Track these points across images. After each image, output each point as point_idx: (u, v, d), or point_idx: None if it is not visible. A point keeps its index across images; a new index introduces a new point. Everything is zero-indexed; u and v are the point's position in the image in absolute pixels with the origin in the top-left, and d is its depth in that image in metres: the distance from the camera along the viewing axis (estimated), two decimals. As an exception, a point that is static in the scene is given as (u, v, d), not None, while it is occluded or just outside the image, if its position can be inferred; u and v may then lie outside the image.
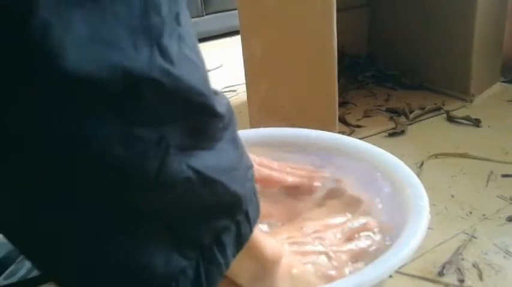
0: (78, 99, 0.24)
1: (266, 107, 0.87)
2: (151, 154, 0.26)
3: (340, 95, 0.88)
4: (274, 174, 0.54)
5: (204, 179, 0.29)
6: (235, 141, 0.33)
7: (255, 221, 0.35)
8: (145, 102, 0.26)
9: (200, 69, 0.29)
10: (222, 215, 0.32)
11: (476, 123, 1.02)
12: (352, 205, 0.53)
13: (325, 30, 0.80)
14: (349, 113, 1.10)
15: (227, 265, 0.33)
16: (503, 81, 1.22)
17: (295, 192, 0.55)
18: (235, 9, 0.85)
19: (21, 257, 0.61)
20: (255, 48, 0.85)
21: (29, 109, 0.23)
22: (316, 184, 0.56)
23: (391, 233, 0.49)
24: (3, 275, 0.59)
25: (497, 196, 0.77)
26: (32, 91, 0.23)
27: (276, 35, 0.83)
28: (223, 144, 0.31)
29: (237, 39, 0.91)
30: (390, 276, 0.58)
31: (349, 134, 0.98)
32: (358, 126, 1.04)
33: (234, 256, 0.33)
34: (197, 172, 0.29)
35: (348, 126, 1.04)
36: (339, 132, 0.79)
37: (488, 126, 1.01)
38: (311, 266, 0.43)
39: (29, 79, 0.23)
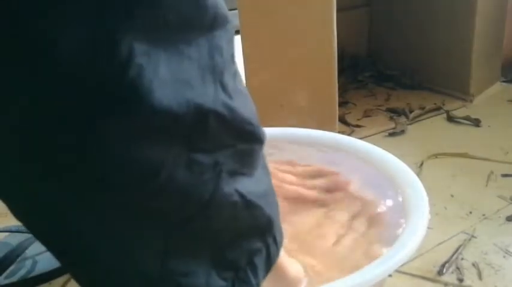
0: (158, 132, 0.27)
1: (266, 106, 0.87)
2: (207, 177, 0.29)
3: (340, 94, 0.88)
4: (301, 191, 0.56)
5: (247, 203, 0.32)
6: (267, 169, 0.36)
7: (281, 244, 0.37)
8: (209, 132, 0.29)
9: (249, 101, 0.33)
10: (256, 238, 0.34)
11: (476, 123, 1.02)
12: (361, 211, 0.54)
13: (325, 29, 0.80)
14: (349, 112, 1.10)
15: (258, 285, 0.35)
16: (503, 81, 1.21)
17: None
18: (235, 9, 0.85)
19: (21, 257, 0.61)
20: (254, 48, 0.85)
21: (117, 142, 0.26)
22: (310, 193, 0.56)
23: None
24: (4, 275, 0.59)
25: (497, 196, 0.77)
26: (122, 126, 0.26)
27: (275, 35, 0.83)
28: (260, 171, 0.34)
29: (237, 39, 0.90)
30: (390, 275, 0.59)
31: (349, 134, 0.98)
32: (358, 126, 1.04)
33: (264, 277, 0.35)
34: (242, 196, 0.32)
35: (347, 126, 1.04)
36: (339, 132, 0.79)
37: (488, 126, 1.01)
38: None
39: (121, 114, 0.25)
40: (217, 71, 0.29)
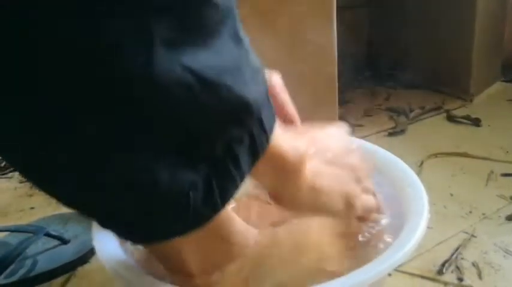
0: None
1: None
2: (131, 43, 0.24)
3: (339, 94, 0.87)
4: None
5: (204, 81, 0.26)
6: (238, 38, 0.30)
7: (271, 129, 0.32)
8: None
9: None
10: (231, 124, 0.29)
11: (476, 122, 1.02)
12: None
13: (325, 29, 0.80)
14: (349, 112, 1.10)
15: (242, 177, 0.31)
16: (504, 81, 1.21)
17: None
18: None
19: (21, 256, 0.61)
20: (254, 47, 0.85)
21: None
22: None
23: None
24: (4, 275, 0.59)
25: (497, 195, 0.77)
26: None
27: (275, 35, 0.83)
28: (223, 40, 0.28)
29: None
30: (389, 274, 0.59)
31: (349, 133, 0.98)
32: (358, 125, 1.04)
33: (249, 168, 0.31)
34: (194, 72, 0.26)
35: (347, 125, 1.03)
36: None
37: (488, 125, 1.01)
38: (335, 177, 0.41)
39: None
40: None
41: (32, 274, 0.60)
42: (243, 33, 0.30)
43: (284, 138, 0.35)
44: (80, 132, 0.25)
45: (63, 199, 0.29)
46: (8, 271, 0.60)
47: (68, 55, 0.23)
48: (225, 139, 0.29)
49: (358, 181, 0.43)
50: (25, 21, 0.22)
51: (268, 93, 0.32)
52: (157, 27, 0.24)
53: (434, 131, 1.01)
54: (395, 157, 0.55)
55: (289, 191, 0.37)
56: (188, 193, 0.28)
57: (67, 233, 0.66)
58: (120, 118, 0.25)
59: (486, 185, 0.80)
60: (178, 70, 0.25)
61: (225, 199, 0.30)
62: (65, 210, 0.49)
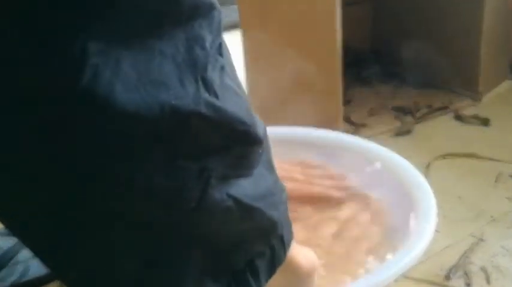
0: (127, 137, 0.25)
1: (268, 105, 0.86)
2: (191, 185, 0.27)
3: (344, 92, 0.87)
4: (303, 188, 0.56)
5: (243, 207, 0.30)
6: (270, 165, 0.33)
7: (289, 244, 0.35)
8: (191, 137, 0.26)
9: (241, 98, 0.30)
10: (257, 241, 0.33)
11: (485, 122, 1.01)
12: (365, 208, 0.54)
13: (329, 25, 0.80)
14: (354, 111, 1.09)
15: None
16: (512, 79, 1.21)
17: (317, 205, 0.56)
18: (235, 4, 0.85)
19: (13, 261, 0.60)
20: (255, 45, 0.84)
21: (83, 148, 0.24)
22: (341, 194, 0.56)
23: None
24: (-4, 279, 0.59)
25: (506, 197, 0.76)
26: (85, 133, 0.24)
27: (277, 31, 0.83)
28: (260, 169, 0.32)
29: (237, 34, 0.91)
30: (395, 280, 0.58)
31: (353, 133, 0.97)
32: (363, 125, 1.03)
33: (266, 280, 0.34)
34: (236, 200, 0.29)
35: (352, 125, 1.03)
36: (344, 131, 0.78)
37: (497, 125, 1.00)
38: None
39: (82, 123, 0.24)
40: (198, 66, 0.26)
41: (24, 279, 0.59)
42: (273, 158, 0.34)
43: (297, 249, 0.38)
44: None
45: None
46: (-1, 275, 0.59)
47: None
48: (249, 254, 0.32)
49: None
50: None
51: (288, 211, 0.35)
52: (215, 166, 0.28)
53: (441, 131, 1.00)
54: (401, 158, 0.55)
55: None
56: None
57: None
58: (167, 238, 0.28)
59: (495, 187, 0.79)
60: (225, 198, 0.29)
61: None
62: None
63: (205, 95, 0.26)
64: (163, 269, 0.29)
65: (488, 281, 0.60)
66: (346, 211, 0.54)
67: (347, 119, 1.03)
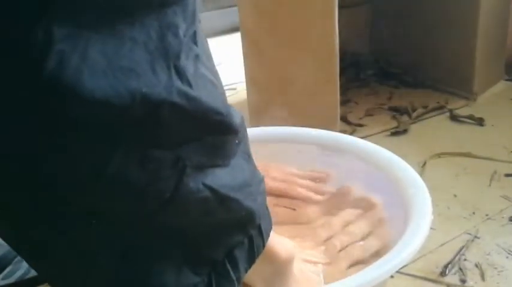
0: (96, 126, 0.24)
1: (266, 105, 0.86)
2: (166, 174, 0.26)
3: (341, 93, 0.87)
4: (282, 187, 0.55)
5: (220, 198, 0.29)
6: (248, 155, 0.33)
7: (268, 233, 0.35)
8: (163, 126, 0.26)
9: (217, 87, 0.29)
10: (235, 231, 0.32)
11: (480, 122, 1.01)
12: (363, 208, 0.54)
13: (326, 27, 0.80)
14: (351, 111, 1.09)
15: (239, 279, 0.33)
16: (507, 79, 1.21)
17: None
18: (235, 6, 0.85)
19: (18, 257, 0.60)
20: (255, 45, 0.84)
21: (47, 138, 0.23)
22: (319, 197, 0.56)
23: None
24: (1, 276, 0.59)
25: (501, 196, 0.77)
26: (49, 120, 0.23)
27: (276, 33, 0.83)
28: (237, 159, 0.31)
29: (237, 36, 0.90)
30: (391, 276, 0.58)
31: (350, 133, 0.98)
32: (360, 125, 1.03)
33: (246, 270, 0.33)
34: (213, 190, 0.29)
35: (349, 125, 1.03)
36: (341, 131, 0.78)
37: (492, 125, 1.00)
38: (318, 274, 0.45)
39: (47, 109, 0.23)
40: (170, 54, 0.26)
41: (29, 275, 0.59)
42: (250, 148, 0.33)
43: (275, 238, 0.38)
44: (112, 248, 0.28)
45: None
46: (4, 272, 0.59)
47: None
48: (227, 244, 0.32)
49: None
50: None
51: (266, 201, 0.35)
52: (189, 156, 0.27)
53: (437, 130, 1.01)
54: (397, 157, 0.55)
55: (278, 286, 0.40)
56: None
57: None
58: (142, 228, 0.28)
59: (489, 185, 0.80)
60: (201, 188, 0.28)
61: None
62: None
63: (178, 83, 0.26)
64: (141, 261, 0.28)
65: (483, 278, 0.60)
66: (341, 218, 0.53)
67: (344, 119, 1.03)
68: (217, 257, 0.31)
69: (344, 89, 1.15)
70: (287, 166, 0.59)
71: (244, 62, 0.86)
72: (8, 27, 0.21)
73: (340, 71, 0.84)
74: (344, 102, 1.11)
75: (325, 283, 0.44)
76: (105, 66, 0.23)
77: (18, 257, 0.60)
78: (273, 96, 0.85)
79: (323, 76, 0.83)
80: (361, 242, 0.50)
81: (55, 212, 0.26)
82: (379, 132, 1.01)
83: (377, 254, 0.48)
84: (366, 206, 0.54)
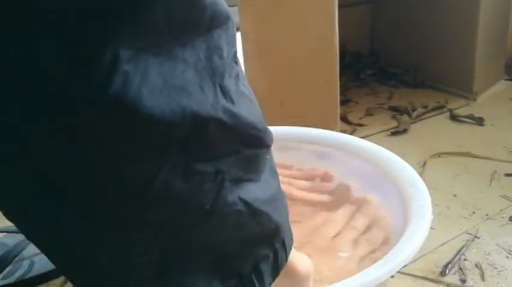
0: (150, 142, 0.25)
1: (266, 104, 0.86)
2: (207, 187, 0.28)
3: (341, 93, 0.87)
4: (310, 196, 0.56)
5: (253, 211, 0.30)
6: (275, 171, 0.34)
7: (290, 247, 0.36)
8: (208, 141, 0.27)
9: (253, 103, 0.31)
10: (263, 245, 0.33)
11: (480, 121, 1.01)
12: (361, 210, 0.54)
13: (326, 27, 0.80)
14: (351, 111, 1.09)
15: None
16: (507, 79, 1.21)
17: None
18: (235, 5, 0.84)
19: (18, 257, 0.61)
20: (255, 46, 0.84)
21: (108, 152, 0.25)
22: (321, 196, 0.57)
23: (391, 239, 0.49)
24: (1, 276, 0.59)
25: (501, 196, 0.77)
26: (113, 138, 0.24)
27: (276, 33, 0.83)
28: (266, 175, 0.32)
29: (237, 36, 0.90)
30: (392, 276, 0.58)
31: (350, 133, 0.98)
32: (360, 124, 1.04)
33: (270, 283, 0.34)
34: (247, 203, 0.30)
35: (349, 124, 1.03)
36: (341, 131, 0.78)
37: (492, 125, 1.01)
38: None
39: (110, 125, 0.24)
40: (216, 74, 0.28)
41: (29, 275, 0.60)
42: (275, 164, 0.34)
43: (294, 253, 0.38)
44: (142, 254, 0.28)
45: None
46: (4, 272, 0.60)
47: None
48: (255, 257, 0.33)
49: None
50: None
51: (288, 214, 0.36)
52: (228, 169, 0.29)
53: (437, 130, 1.01)
54: (397, 156, 0.55)
55: None
56: None
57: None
58: (181, 241, 0.29)
59: (489, 185, 0.80)
60: (237, 201, 0.29)
61: None
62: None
63: (223, 101, 0.27)
64: (175, 273, 0.29)
65: (482, 277, 0.60)
66: (342, 214, 0.54)
67: (344, 119, 1.04)
68: (245, 271, 0.32)
69: (344, 89, 1.15)
70: (286, 168, 0.59)
71: (244, 62, 0.86)
72: (77, 46, 0.23)
73: (340, 71, 0.84)
74: (344, 102, 1.11)
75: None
76: (161, 86, 0.25)
77: (19, 257, 0.61)
78: (273, 96, 0.85)
79: (323, 76, 0.84)
80: (367, 236, 0.50)
81: (100, 213, 0.26)
82: (379, 132, 1.01)
83: (385, 243, 0.49)
84: (362, 205, 0.54)
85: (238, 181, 0.30)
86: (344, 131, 0.94)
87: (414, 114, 1.06)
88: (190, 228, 0.28)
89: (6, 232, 0.65)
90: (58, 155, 0.24)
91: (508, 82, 1.20)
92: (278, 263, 0.34)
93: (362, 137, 0.61)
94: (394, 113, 1.08)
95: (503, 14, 1.14)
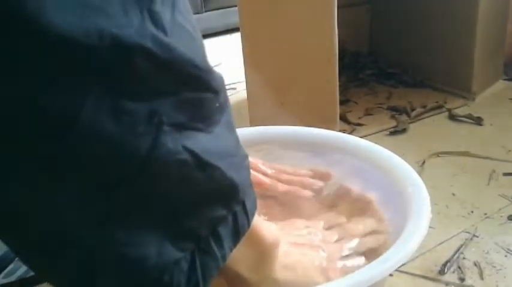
0: (62, 66, 0.22)
1: (266, 104, 0.87)
2: (141, 130, 0.25)
3: (341, 93, 0.88)
4: (267, 181, 0.54)
5: (201, 163, 0.28)
6: (232, 127, 0.31)
7: (253, 214, 0.34)
8: (135, 73, 0.24)
9: (195, 40, 0.27)
10: (218, 205, 0.30)
11: (478, 121, 1.01)
12: (362, 207, 0.54)
13: (326, 27, 0.80)
14: (350, 111, 1.09)
15: (224, 258, 0.32)
16: (506, 79, 1.21)
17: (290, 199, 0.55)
18: (235, 6, 0.85)
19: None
20: (254, 46, 0.85)
21: (10, 78, 0.22)
22: (309, 193, 0.56)
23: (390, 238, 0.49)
24: (2, 274, 0.59)
25: (499, 195, 0.77)
26: (11, 57, 0.22)
27: (276, 33, 0.83)
28: (221, 128, 0.30)
29: (237, 36, 0.91)
30: (391, 274, 0.58)
31: (350, 133, 0.98)
32: (359, 124, 1.04)
33: (231, 249, 0.32)
34: (193, 154, 0.27)
35: (348, 124, 1.03)
36: (340, 131, 0.79)
37: (490, 124, 1.01)
38: (305, 257, 0.43)
39: (9, 47, 0.21)
40: None
41: (31, 273, 0.59)
42: (234, 121, 0.32)
43: (260, 222, 0.37)
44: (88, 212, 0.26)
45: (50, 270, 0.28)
46: (6, 270, 0.60)
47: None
48: (210, 218, 0.30)
49: (330, 252, 0.45)
50: None
51: (251, 180, 0.33)
52: (165, 111, 0.26)
53: (436, 130, 1.01)
54: (396, 156, 0.55)
55: (263, 272, 0.39)
56: (171, 270, 0.29)
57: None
58: (120, 193, 0.26)
59: (488, 184, 0.80)
60: (180, 150, 0.27)
61: (206, 279, 0.30)
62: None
63: (152, 28, 0.24)
64: (119, 230, 0.26)
65: (481, 276, 0.60)
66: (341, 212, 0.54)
67: (344, 119, 1.04)
68: (201, 233, 0.30)
69: (343, 89, 1.15)
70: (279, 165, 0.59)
71: (244, 62, 0.87)
72: None
73: (340, 71, 0.84)
74: (343, 102, 1.11)
75: (326, 265, 0.44)
76: (72, 1, 0.22)
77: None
78: (273, 96, 0.86)
79: (323, 76, 0.84)
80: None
81: (23, 156, 0.24)
82: (378, 132, 1.01)
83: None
84: (362, 206, 0.54)
85: (180, 128, 0.27)
86: (343, 131, 0.95)
87: (413, 114, 1.07)
88: (129, 177, 0.26)
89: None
90: None
91: (507, 82, 1.20)
92: (239, 228, 0.32)
93: (361, 137, 0.61)
94: (393, 112, 1.08)
95: (502, 15, 1.15)
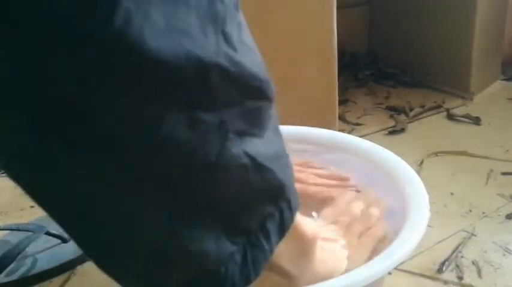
0: (154, 85, 0.25)
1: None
2: (212, 138, 0.27)
3: (340, 93, 0.87)
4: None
5: (257, 166, 0.30)
6: (278, 130, 0.34)
7: (296, 209, 0.36)
8: (210, 87, 0.27)
9: (256, 54, 0.30)
10: (268, 202, 0.33)
11: (476, 121, 1.02)
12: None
13: (325, 28, 0.80)
14: (349, 111, 1.10)
15: (271, 251, 0.34)
16: (504, 79, 1.21)
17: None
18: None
19: (21, 255, 0.61)
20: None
21: (108, 94, 0.24)
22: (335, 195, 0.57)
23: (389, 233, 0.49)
24: (4, 273, 0.59)
25: (497, 194, 0.77)
26: (115, 79, 0.24)
27: (274, 33, 0.83)
28: (270, 132, 0.32)
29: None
30: (389, 273, 0.59)
31: (349, 132, 0.98)
32: (358, 124, 1.04)
33: (277, 242, 0.34)
34: (252, 158, 0.30)
35: (347, 124, 1.03)
36: (339, 130, 0.79)
37: (488, 124, 1.01)
38: (335, 250, 0.46)
39: (113, 65, 0.24)
40: (218, 20, 0.27)
41: (32, 272, 0.60)
42: (280, 130, 0.34)
43: (301, 217, 0.39)
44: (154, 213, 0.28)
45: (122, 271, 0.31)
46: (8, 269, 0.60)
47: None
48: (261, 215, 0.33)
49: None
50: None
51: (293, 176, 0.36)
52: (231, 120, 0.28)
53: (434, 129, 1.01)
54: (395, 155, 0.55)
55: (304, 265, 0.41)
56: (227, 262, 0.31)
57: (67, 232, 0.66)
58: (189, 195, 0.29)
59: (486, 183, 0.80)
60: (241, 154, 0.29)
61: (257, 271, 0.33)
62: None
63: (225, 47, 0.27)
64: (184, 227, 0.29)
65: (479, 275, 0.61)
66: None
67: (343, 119, 1.04)
68: (251, 228, 0.32)
69: (342, 89, 1.15)
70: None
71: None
72: None
73: (339, 71, 0.84)
74: (342, 101, 1.11)
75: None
76: (164, 27, 0.24)
77: (22, 254, 0.61)
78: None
79: (322, 76, 0.84)
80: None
81: (106, 162, 0.26)
82: (377, 131, 1.01)
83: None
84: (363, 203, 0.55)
85: (241, 134, 0.29)
86: (342, 131, 0.95)
87: (411, 113, 1.07)
88: (198, 181, 0.28)
89: (9, 229, 0.66)
90: (58, 97, 0.24)
91: (505, 82, 1.21)
92: (284, 223, 0.34)
93: (360, 137, 0.61)
94: (392, 112, 1.09)
95: (500, 15, 1.15)
